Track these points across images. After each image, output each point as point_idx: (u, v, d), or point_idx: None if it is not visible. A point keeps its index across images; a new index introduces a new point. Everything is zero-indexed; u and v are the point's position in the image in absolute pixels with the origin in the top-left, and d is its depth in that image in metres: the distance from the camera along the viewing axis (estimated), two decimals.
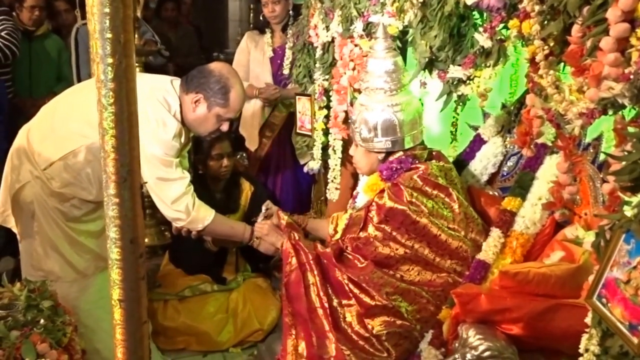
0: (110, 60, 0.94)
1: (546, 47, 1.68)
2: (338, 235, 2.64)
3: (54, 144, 2.70)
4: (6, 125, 4.24)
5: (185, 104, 2.76)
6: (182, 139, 2.77)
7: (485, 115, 2.84)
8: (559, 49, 1.68)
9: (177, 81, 2.83)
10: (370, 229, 2.44)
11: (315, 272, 2.41)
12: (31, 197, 2.72)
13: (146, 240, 4.39)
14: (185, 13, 7.23)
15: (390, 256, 2.38)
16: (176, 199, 2.75)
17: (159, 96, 2.72)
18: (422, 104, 2.62)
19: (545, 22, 1.69)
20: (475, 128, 2.87)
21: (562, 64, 1.70)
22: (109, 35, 0.93)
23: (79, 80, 4.66)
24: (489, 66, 2.28)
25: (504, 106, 2.80)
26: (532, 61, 1.75)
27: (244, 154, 4.67)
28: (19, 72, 4.71)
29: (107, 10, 0.92)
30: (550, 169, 2.33)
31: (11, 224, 2.85)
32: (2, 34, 4.30)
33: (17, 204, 2.77)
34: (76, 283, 2.77)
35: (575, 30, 1.53)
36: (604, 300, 1.48)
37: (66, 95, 2.94)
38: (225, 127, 2.84)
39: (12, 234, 3.00)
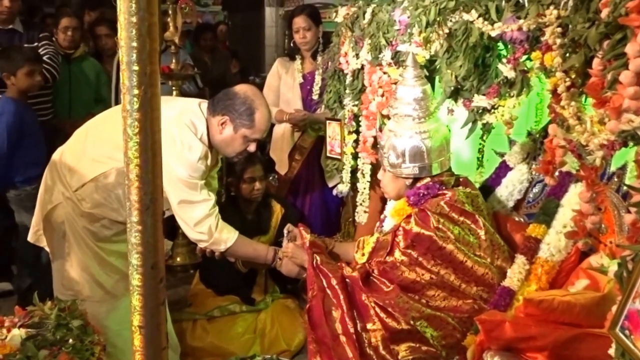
0: (136, 92, 0.94)
1: (568, 79, 1.70)
2: (365, 259, 2.64)
3: (86, 166, 2.75)
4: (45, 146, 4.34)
5: (212, 126, 2.77)
6: (208, 162, 2.77)
7: (511, 143, 2.83)
8: (580, 81, 1.69)
9: (205, 104, 2.84)
10: (397, 254, 2.44)
11: (341, 297, 2.40)
12: (62, 217, 2.78)
13: (178, 259, 4.45)
14: (222, 39, 7.48)
15: (416, 281, 2.38)
16: (199, 221, 2.73)
17: (186, 119, 2.73)
18: (449, 131, 2.64)
19: (567, 54, 1.71)
20: (502, 155, 2.87)
21: (584, 95, 1.71)
22: (136, 68, 0.94)
23: (117, 103, 4.74)
24: (512, 96, 2.29)
25: (529, 134, 2.79)
26: (554, 92, 1.76)
27: (275, 176, 4.72)
28: (60, 94, 4.79)
29: (134, 44, 0.93)
30: (575, 197, 2.29)
31: (44, 243, 2.91)
32: (45, 58, 4.41)
33: (49, 224, 2.84)
34: (105, 303, 2.80)
35: (596, 63, 1.55)
36: (627, 332, 1.46)
37: (98, 119, 3.00)
38: (252, 147, 2.83)
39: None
